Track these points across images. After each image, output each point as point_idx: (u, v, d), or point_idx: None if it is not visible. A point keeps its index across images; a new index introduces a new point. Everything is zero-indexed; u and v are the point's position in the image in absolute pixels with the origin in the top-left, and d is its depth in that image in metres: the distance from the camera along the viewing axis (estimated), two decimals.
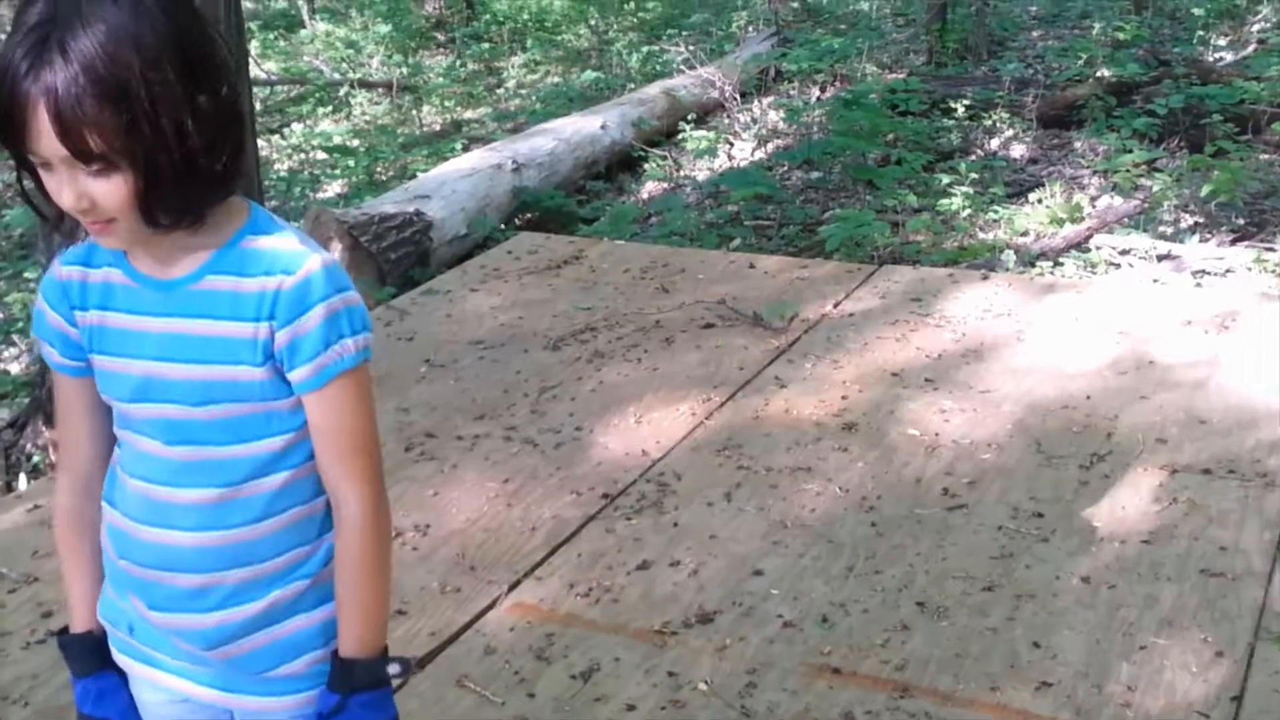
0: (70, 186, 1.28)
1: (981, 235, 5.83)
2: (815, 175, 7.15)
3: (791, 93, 8.61)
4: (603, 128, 7.50)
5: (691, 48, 9.61)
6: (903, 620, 2.75)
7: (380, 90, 10.17)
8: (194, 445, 1.45)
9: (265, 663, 1.51)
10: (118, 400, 1.47)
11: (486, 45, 11.71)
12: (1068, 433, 3.53)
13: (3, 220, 6.90)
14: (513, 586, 2.96)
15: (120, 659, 1.59)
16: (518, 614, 2.87)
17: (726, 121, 8.22)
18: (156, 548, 1.48)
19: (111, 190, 1.29)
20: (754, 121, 7.98)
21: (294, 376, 1.42)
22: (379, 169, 8.02)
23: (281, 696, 1.53)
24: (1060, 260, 5.24)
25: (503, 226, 6.38)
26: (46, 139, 1.25)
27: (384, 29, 11.71)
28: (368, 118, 9.58)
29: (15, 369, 5.34)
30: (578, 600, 2.91)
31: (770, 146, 7.75)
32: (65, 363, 1.51)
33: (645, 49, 10.50)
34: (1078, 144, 7.09)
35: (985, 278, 4.71)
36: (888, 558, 2.99)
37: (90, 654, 1.60)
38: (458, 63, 11.15)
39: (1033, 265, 5.22)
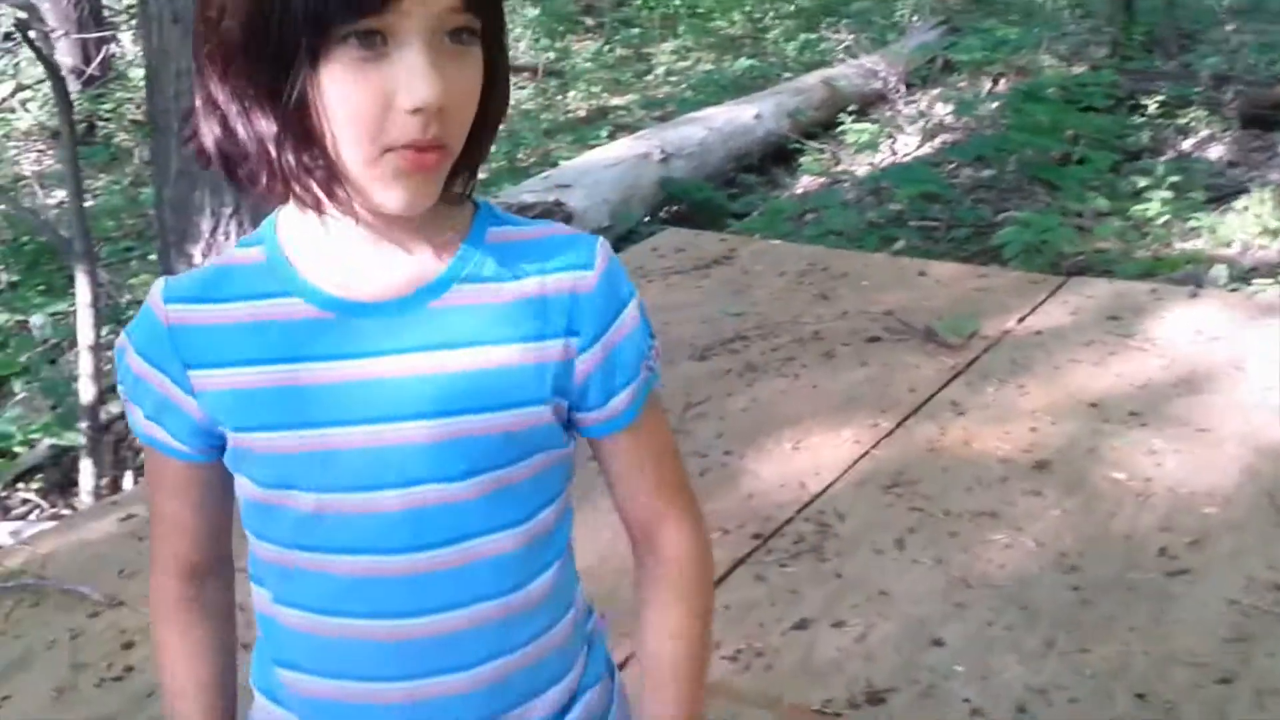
0: (436, 69, 0.93)
1: (1179, 245, 5.23)
2: (987, 174, 6.59)
3: (960, 85, 8.04)
4: (757, 117, 7.05)
5: (852, 36, 9.09)
6: (1119, 716, 2.26)
7: (526, 74, 9.86)
8: (458, 544, 1.05)
9: None
10: (320, 493, 1.03)
11: (636, 30, 11.33)
12: None
13: None
14: None
15: None
16: None
17: (889, 114, 7.68)
18: (412, 708, 1.08)
19: (469, 79, 0.97)
20: (921, 115, 7.43)
21: (603, 412, 1.08)
22: (520, 155, 7.69)
23: None
24: (1278, 277, 4.63)
25: (647, 219, 5.98)
26: (432, 2, 0.94)
27: (532, 12, 11.40)
28: (512, 102, 9.25)
29: None
30: (724, 664, 2.47)
31: (937, 141, 7.21)
32: (172, 444, 1.08)
33: (802, 36, 9.99)
34: None
35: (1194, 295, 4.14)
36: (1096, 633, 2.49)
37: None
38: (606, 48, 10.79)
39: (1246, 282, 4.62)
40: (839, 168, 6.96)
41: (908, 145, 7.19)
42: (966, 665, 2.42)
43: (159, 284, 1.06)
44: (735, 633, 2.56)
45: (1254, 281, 4.59)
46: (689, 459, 3.25)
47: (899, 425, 3.38)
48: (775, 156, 7.13)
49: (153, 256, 5.78)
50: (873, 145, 6.98)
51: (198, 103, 1.01)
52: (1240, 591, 2.59)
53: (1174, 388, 3.49)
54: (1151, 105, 6.61)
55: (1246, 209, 5.47)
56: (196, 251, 3.80)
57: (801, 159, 7.04)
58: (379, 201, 0.97)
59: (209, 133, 1.00)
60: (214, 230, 3.76)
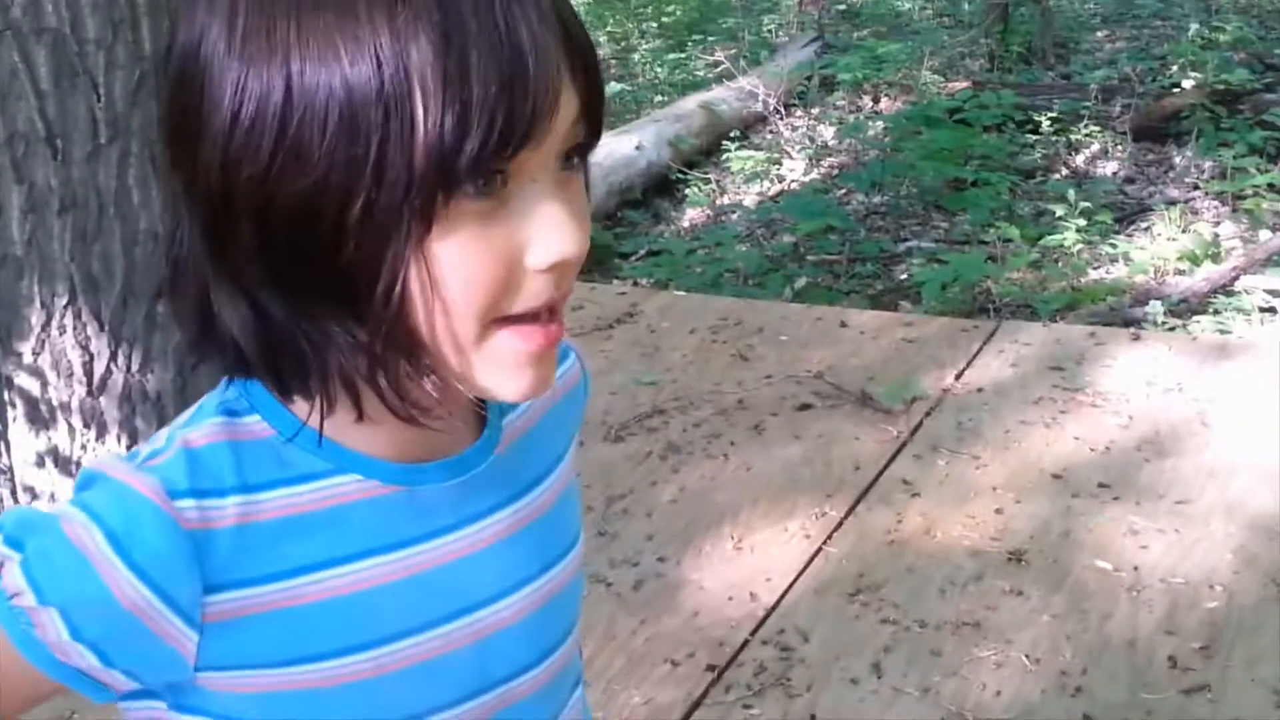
0: (572, 217, 0.73)
1: (1094, 274, 5.00)
2: (879, 199, 6.32)
3: (839, 104, 7.78)
4: (638, 148, 6.68)
5: (723, 54, 8.78)
6: None
7: None
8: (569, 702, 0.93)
9: None
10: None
11: None
12: None
13: None
14: None
15: None
16: None
17: (770, 137, 7.38)
18: None
19: (584, 209, 0.77)
20: (810, 140, 7.14)
21: None
22: None
23: None
24: (1215, 308, 4.40)
25: None
26: (563, 125, 0.72)
27: None
28: None
29: None
30: None
31: (824, 165, 6.92)
32: (94, 671, 0.75)
33: (671, 56, 9.66)
34: (1178, 160, 6.26)
35: (1136, 337, 3.88)
36: None
37: None
38: None
39: (1179, 317, 4.39)
40: (725, 199, 6.63)
41: (794, 170, 6.90)
42: None
43: (141, 474, 0.74)
44: None
45: (1191, 319, 4.35)
46: (619, 568, 2.85)
47: (849, 513, 3.02)
48: (658, 188, 6.77)
49: None
50: (760, 175, 6.65)
51: (217, 297, 0.74)
52: (1270, 709, 2.28)
53: (1139, 451, 3.20)
54: (1045, 122, 6.40)
55: (1151, 229, 5.28)
56: (27, 350, 3.26)
57: (686, 190, 6.69)
58: (485, 388, 0.75)
59: (238, 325, 0.73)
60: (46, 324, 3.24)
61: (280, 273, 0.71)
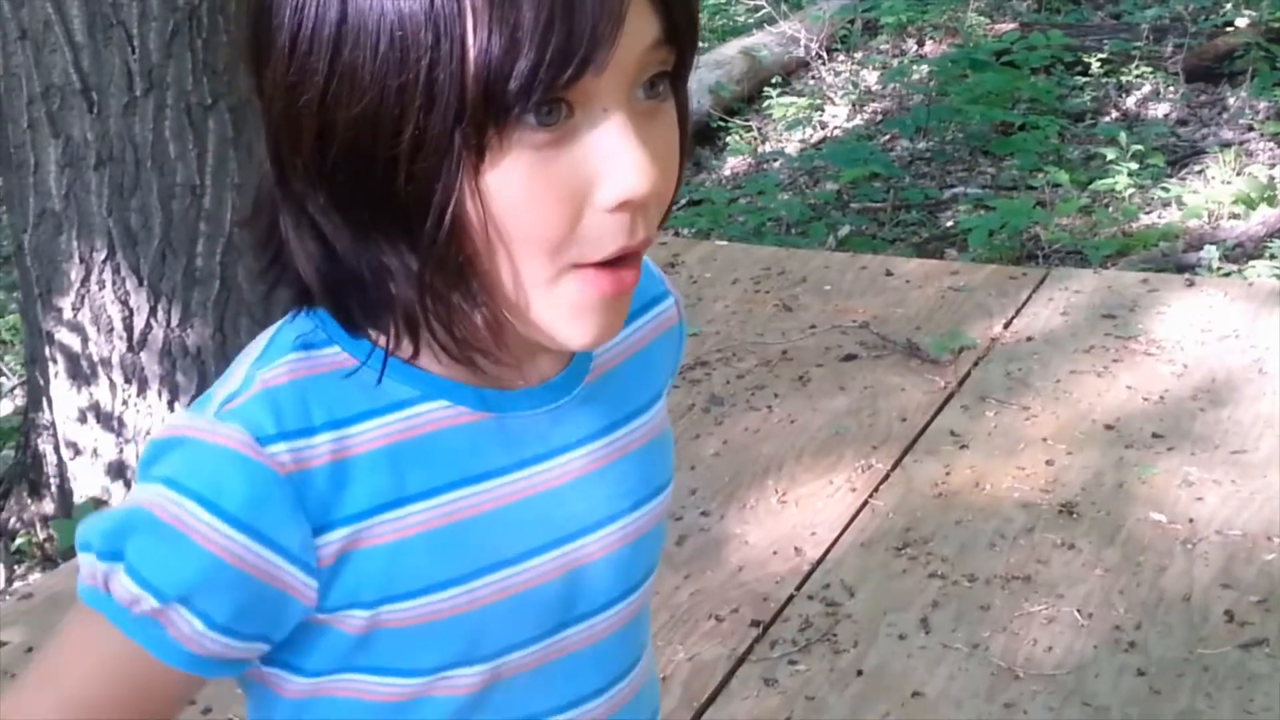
0: (645, 152, 0.68)
1: (1146, 219, 4.89)
2: (924, 145, 6.20)
3: (883, 48, 7.64)
4: None
5: None
6: None
7: None
8: (633, 672, 0.91)
9: None
10: (500, 657, 0.80)
11: None
12: None
13: None
14: None
15: None
16: None
17: (813, 83, 7.26)
18: None
19: (670, 144, 0.73)
20: (853, 85, 7.01)
21: None
22: None
23: None
24: (1271, 252, 4.29)
25: None
26: (635, 50, 0.68)
27: None
28: None
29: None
30: None
31: (867, 111, 6.80)
32: (231, 652, 0.75)
33: (710, 1, 9.51)
34: (1232, 101, 6.10)
35: (1190, 283, 3.78)
36: None
37: None
38: None
39: (1234, 261, 4.28)
40: (767, 146, 6.53)
41: (837, 117, 6.79)
42: None
43: (223, 427, 0.72)
44: None
45: (1247, 264, 4.25)
46: None
47: (896, 465, 2.97)
48: (699, 136, 6.67)
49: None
50: (802, 122, 6.54)
51: (284, 222, 0.73)
52: None
53: (1194, 400, 3.12)
54: (1094, 63, 6.25)
55: (1204, 172, 5.15)
56: (67, 305, 3.26)
57: (727, 138, 6.60)
58: (552, 335, 0.74)
59: (304, 255, 0.73)
60: (85, 279, 3.23)
61: (341, 199, 0.71)
